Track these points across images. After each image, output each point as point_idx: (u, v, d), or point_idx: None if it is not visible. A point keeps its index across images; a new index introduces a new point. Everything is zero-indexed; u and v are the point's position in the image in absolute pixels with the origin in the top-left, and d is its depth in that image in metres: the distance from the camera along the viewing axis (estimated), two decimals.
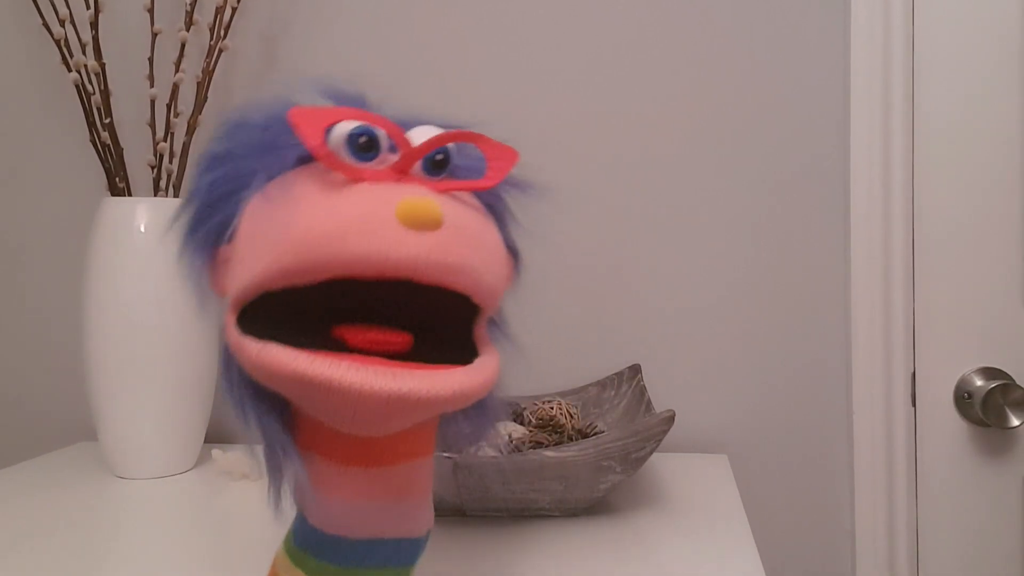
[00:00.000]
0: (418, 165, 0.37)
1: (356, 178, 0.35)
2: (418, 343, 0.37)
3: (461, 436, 0.44)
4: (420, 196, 0.34)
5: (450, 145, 0.38)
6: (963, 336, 0.91)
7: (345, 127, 0.35)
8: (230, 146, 0.38)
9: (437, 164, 0.37)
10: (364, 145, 0.35)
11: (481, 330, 0.39)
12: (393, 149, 0.37)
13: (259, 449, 0.39)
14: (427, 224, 0.33)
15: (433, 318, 0.36)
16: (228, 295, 0.36)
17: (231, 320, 0.35)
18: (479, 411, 0.44)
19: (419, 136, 0.38)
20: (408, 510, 0.39)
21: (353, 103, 0.40)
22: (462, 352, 0.37)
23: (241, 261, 0.35)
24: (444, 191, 0.36)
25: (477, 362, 0.36)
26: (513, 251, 0.43)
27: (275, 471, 0.39)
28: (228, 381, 0.38)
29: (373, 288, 0.33)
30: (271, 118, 0.38)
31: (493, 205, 0.41)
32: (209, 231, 0.38)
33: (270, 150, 0.37)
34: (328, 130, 0.35)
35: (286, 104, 0.38)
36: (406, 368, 0.33)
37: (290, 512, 0.41)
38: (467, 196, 0.38)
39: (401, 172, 0.36)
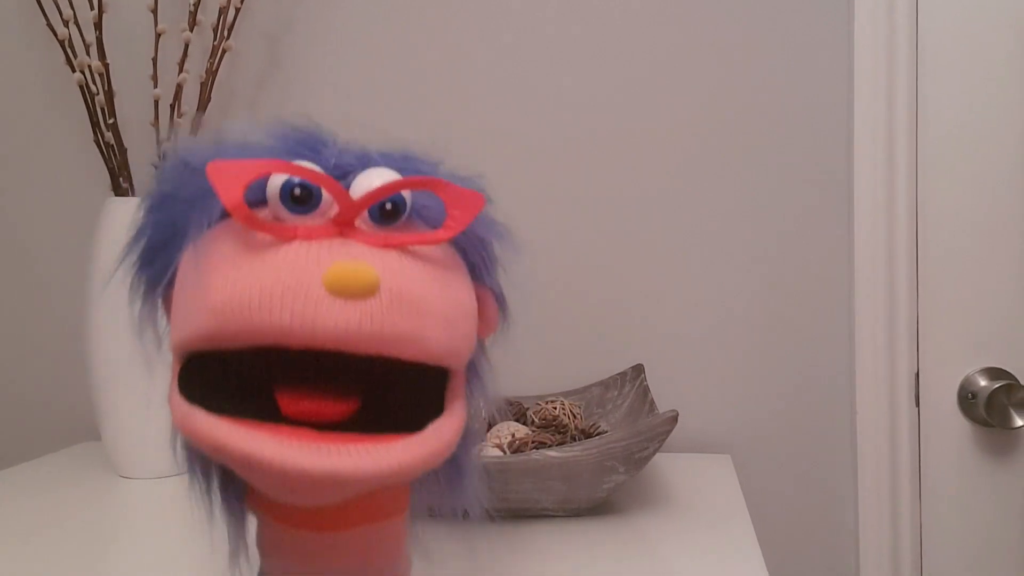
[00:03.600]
0: (365, 216, 0.33)
1: (286, 236, 0.31)
2: (366, 407, 0.33)
3: (436, 496, 0.40)
4: (350, 261, 0.30)
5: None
6: (967, 336, 0.91)
7: (277, 180, 0.33)
8: (171, 188, 0.35)
9: (387, 214, 0.34)
10: (300, 198, 0.32)
11: (455, 383, 0.35)
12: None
13: (211, 508, 0.37)
14: (357, 292, 0.30)
15: (388, 377, 0.33)
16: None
17: (174, 374, 0.33)
18: (451, 470, 0.40)
19: (367, 182, 0.34)
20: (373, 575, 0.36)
21: (306, 145, 0.36)
22: (423, 412, 0.33)
23: (174, 316, 0.33)
24: (390, 246, 0.32)
25: (430, 428, 0.32)
26: (497, 297, 0.39)
27: (232, 531, 0.37)
28: (173, 440, 0.36)
29: (312, 355, 0.30)
30: (206, 162, 0.34)
31: (467, 250, 0.37)
32: (155, 273, 0.36)
33: (205, 198, 0.33)
34: (252, 185, 0.32)
35: (221, 149, 0.35)
36: (337, 443, 0.30)
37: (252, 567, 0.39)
38: (428, 249, 0.34)
39: (343, 225, 0.32)
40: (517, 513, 0.69)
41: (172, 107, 0.91)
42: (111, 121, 0.89)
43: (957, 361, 0.91)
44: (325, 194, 0.33)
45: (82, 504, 0.76)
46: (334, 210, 0.33)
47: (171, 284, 0.35)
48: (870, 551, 0.91)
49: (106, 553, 0.63)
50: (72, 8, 0.91)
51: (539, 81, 0.97)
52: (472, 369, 0.39)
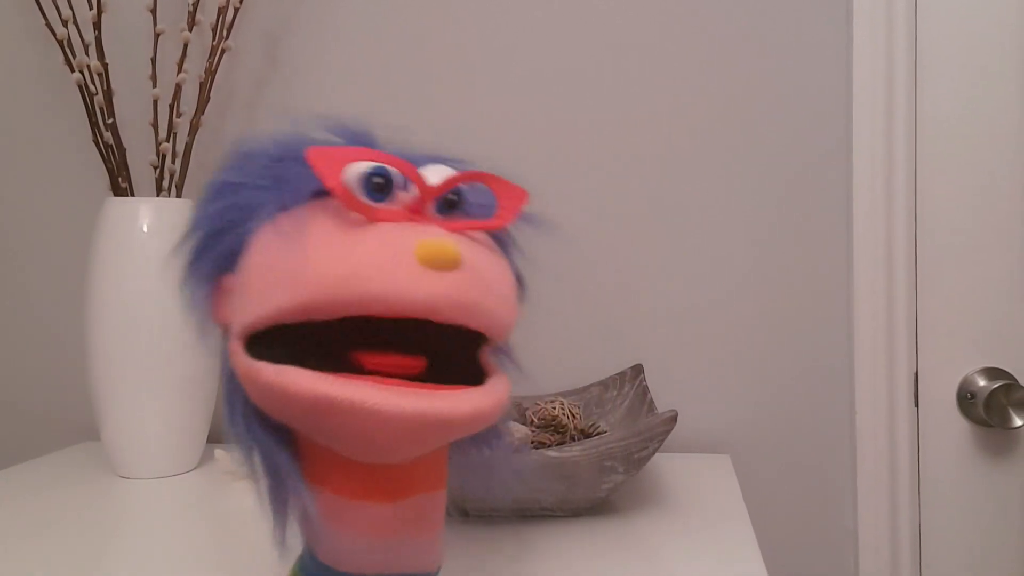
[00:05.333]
0: (431, 204, 0.37)
1: (373, 218, 0.35)
2: (430, 367, 0.37)
3: (474, 466, 0.44)
4: (438, 237, 0.34)
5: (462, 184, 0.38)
6: (966, 336, 0.91)
7: (360, 167, 0.35)
8: (237, 177, 0.38)
9: (450, 204, 0.38)
10: (379, 185, 0.35)
11: (487, 356, 0.39)
12: (405, 188, 0.37)
13: (262, 484, 0.38)
14: (446, 265, 0.33)
15: (444, 345, 0.37)
16: (232, 324, 0.36)
17: (238, 348, 0.35)
18: (490, 438, 0.43)
19: (432, 175, 0.38)
20: (422, 545, 0.38)
21: (362, 141, 0.40)
22: (473, 376, 0.37)
23: (252, 292, 0.35)
24: (458, 231, 0.36)
25: (488, 384, 0.36)
26: (519, 280, 0.43)
27: (280, 507, 0.38)
28: (231, 413, 0.37)
29: (390, 322, 0.33)
30: (283, 151, 0.37)
31: (499, 237, 0.42)
32: (213, 260, 0.38)
33: (281, 183, 0.37)
34: (343, 169, 0.35)
35: (296, 139, 0.38)
36: (426, 388, 0.33)
37: (295, 547, 0.40)
38: (479, 234, 0.38)
39: (416, 212, 0.36)
40: (516, 513, 0.69)
41: (171, 107, 0.91)
42: (110, 121, 0.89)
43: (956, 361, 0.91)
44: (397, 184, 0.36)
45: (81, 504, 0.76)
46: (407, 198, 0.36)
47: (229, 267, 0.37)
48: (869, 551, 0.91)
49: (105, 553, 0.63)
50: (71, 8, 0.91)
51: (540, 80, 0.97)
52: (497, 347, 0.42)
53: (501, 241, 0.42)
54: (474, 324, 0.35)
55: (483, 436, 0.43)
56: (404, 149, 0.41)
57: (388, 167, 0.36)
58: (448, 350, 0.37)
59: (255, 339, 0.35)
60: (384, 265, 0.32)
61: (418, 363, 0.36)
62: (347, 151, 0.35)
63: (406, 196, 0.36)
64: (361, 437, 0.33)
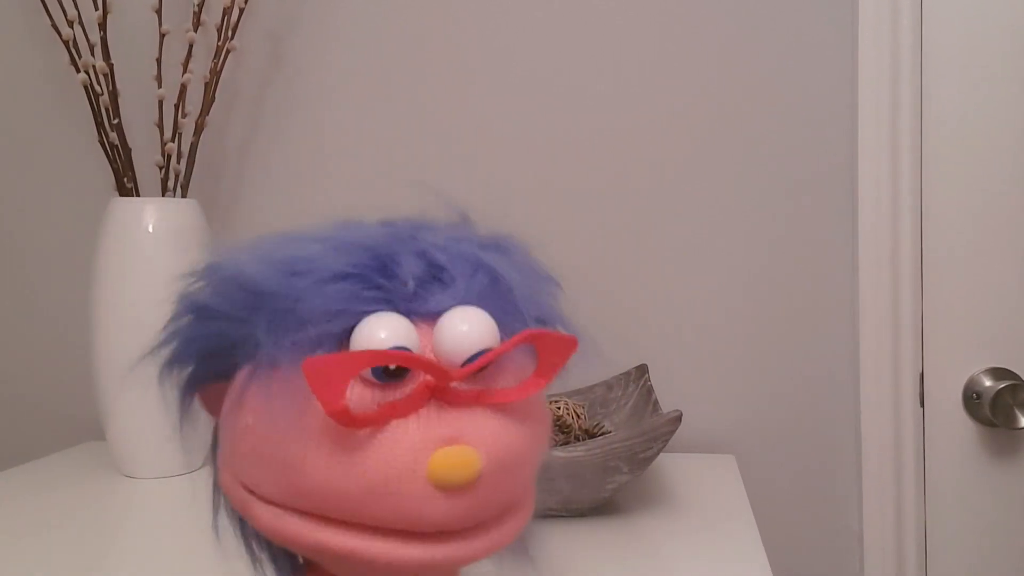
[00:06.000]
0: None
1: (382, 421, 0.30)
2: None
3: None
4: (452, 450, 0.29)
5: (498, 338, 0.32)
6: (972, 336, 0.91)
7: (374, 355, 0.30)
8: (216, 302, 0.32)
9: (479, 368, 0.31)
10: (393, 372, 0.30)
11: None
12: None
13: None
14: (463, 485, 0.29)
15: None
16: (227, 464, 0.33)
17: (234, 482, 0.32)
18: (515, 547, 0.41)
19: (453, 325, 0.31)
20: None
21: (374, 263, 0.32)
22: None
23: (245, 458, 0.31)
24: (485, 405, 0.31)
25: (509, 518, 0.33)
26: (573, 333, 0.37)
27: None
28: (236, 527, 0.37)
29: None
30: (268, 283, 0.31)
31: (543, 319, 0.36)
32: (195, 375, 0.34)
33: (273, 329, 0.30)
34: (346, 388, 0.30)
35: (283, 269, 0.31)
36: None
37: None
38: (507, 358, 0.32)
39: (435, 391, 0.31)
40: None
41: (176, 107, 0.91)
42: (115, 121, 0.89)
43: (962, 361, 0.91)
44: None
45: (86, 504, 0.76)
46: (432, 379, 0.30)
47: (213, 381, 0.34)
48: (875, 552, 0.91)
49: (110, 552, 0.63)
50: (76, 8, 0.91)
51: (542, 80, 0.97)
52: None
53: (545, 320, 0.36)
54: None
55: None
56: (430, 252, 0.33)
57: (403, 351, 0.30)
58: None
59: None
60: (389, 485, 0.29)
61: None
62: (345, 361, 0.29)
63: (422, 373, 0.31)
64: (366, 573, 0.31)
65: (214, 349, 0.33)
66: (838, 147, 0.93)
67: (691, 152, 0.95)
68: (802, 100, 0.93)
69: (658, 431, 0.66)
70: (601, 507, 0.71)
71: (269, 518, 0.31)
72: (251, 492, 0.32)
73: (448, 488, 0.29)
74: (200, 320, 0.33)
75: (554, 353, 0.33)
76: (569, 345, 0.34)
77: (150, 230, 0.82)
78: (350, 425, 0.29)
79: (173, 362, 0.34)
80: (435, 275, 0.32)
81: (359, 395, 0.30)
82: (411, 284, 0.32)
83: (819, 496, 0.94)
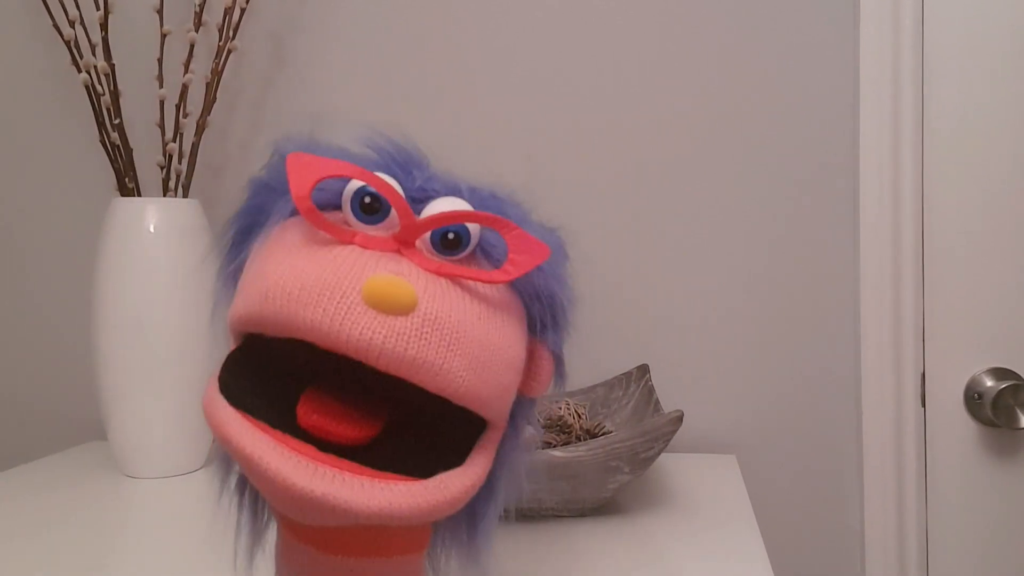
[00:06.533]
0: (427, 239, 0.33)
1: (344, 239, 0.32)
2: (383, 439, 0.32)
3: (453, 542, 0.39)
4: (392, 276, 0.30)
5: (471, 224, 0.34)
6: (973, 336, 0.91)
7: (353, 185, 0.33)
8: (267, 177, 0.37)
9: (448, 243, 0.33)
10: (369, 206, 0.33)
11: (490, 437, 0.34)
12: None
13: (238, 509, 0.38)
14: (390, 308, 0.29)
15: (420, 413, 0.32)
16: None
17: (223, 359, 0.33)
18: (468, 521, 0.39)
19: (439, 207, 0.34)
20: None
21: (396, 160, 0.36)
22: (440, 459, 0.32)
23: (235, 296, 0.34)
24: (442, 274, 0.32)
25: (435, 479, 0.30)
26: (555, 357, 0.38)
27: (249, 530, 0.38)
28: (225, 483, 0.38)
29: (344, 363, 0.30)
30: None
31: (531, 302, 0.36)
32: (239, 255, 0.38)
33: (285, 190, 0.35)
34: (331, 188, 0.33)
35: (319, 148, 0.35)
36: (335, 468, 0.29)
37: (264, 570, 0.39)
38: (482, 287, 0.33)
39: (403, 243, 0.33)
40: (522, 513, 0.69)
41: (177, 107, 0.91)
42: (117, 121, 0.89)
43: (963, 361, 0.91)
44: (392, 208, 0.33)
45: (88, 504, 0.76)
46: (399, 226, 0.33)
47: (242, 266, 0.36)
48: (876, 551, 0.91)
49: (112, 552, 0.63)
50: (78, 9, 0.91)
51: (542, 80, 0.97)
52: (512, 425, 0.37)
53: (535, 310, 0.36)
54: (425, 383, 0.30)
55: (461, 519, 0.39)
56: (443, 177, 0.37)
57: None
58: (426, 421, 0.32)
59: (240, 356, 0.33)
60: (324, 291, 0.29)
61: (359, 432, 0.31)
62: (326, 162, 0.33)
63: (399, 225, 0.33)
64: (265, 493, 0.30)
65: (255, 221, 0.36)
66: (839, 147, 0.93)
67: (692, 152, 0.95)
68: (804, 99, 0.93)
69: (659, 431, 0.66)
70: (602, 507, 0.71)
71: (206, 400, 0.31)
72: (239, 356, 0.33)
73: (376, 304, 0.29)
74: (253, 194, 0.37)
75: (522, 252, 0.34)
76: (538, 249, 0.34)
77: (151, 230, 0.82)
78: (312, 219, 0.32)
79: (231, 244, 0.38)
80: (439, 193, 0.36)
81: (338, 221, 0.33)
82: (418, 179, 0.36)
83: (820, 496, 0.94)
